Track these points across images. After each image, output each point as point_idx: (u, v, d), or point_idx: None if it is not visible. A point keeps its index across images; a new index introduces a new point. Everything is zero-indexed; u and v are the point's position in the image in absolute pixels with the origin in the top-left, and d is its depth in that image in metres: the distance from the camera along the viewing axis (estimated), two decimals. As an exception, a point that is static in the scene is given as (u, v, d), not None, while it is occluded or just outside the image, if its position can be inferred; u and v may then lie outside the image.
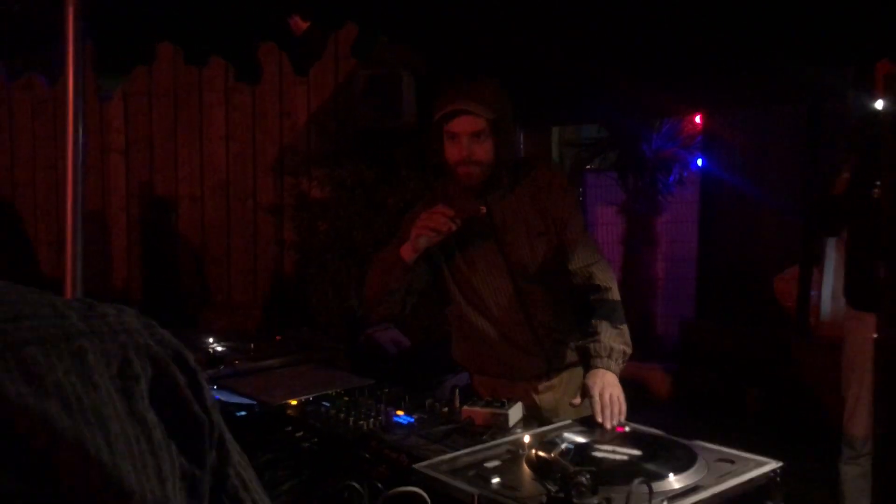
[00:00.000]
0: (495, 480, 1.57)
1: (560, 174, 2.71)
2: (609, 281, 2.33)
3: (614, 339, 2.20)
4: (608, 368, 2.14)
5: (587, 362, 2.19)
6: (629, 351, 2.23)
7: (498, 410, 2.03)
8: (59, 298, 0.61)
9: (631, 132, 7.38)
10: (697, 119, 7.20)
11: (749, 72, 4.09)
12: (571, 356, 2.46)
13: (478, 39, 4.12)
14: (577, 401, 2.13)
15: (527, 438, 1.86)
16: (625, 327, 2.26)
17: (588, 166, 8.20)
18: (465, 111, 2.26)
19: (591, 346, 2.19)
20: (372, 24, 4.50)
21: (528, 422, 2.13)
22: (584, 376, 2.18)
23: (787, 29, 3.55)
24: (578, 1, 3.69)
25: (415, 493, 1.52)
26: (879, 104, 3.21)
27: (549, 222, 2.37)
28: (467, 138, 2.28)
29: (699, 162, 7.28)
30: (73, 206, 2.26)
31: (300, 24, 4.90)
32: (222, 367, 2.53)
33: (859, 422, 3.28)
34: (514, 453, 1.79)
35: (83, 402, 0.55)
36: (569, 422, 2.11)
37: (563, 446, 1.75)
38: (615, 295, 2.32)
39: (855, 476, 3.29)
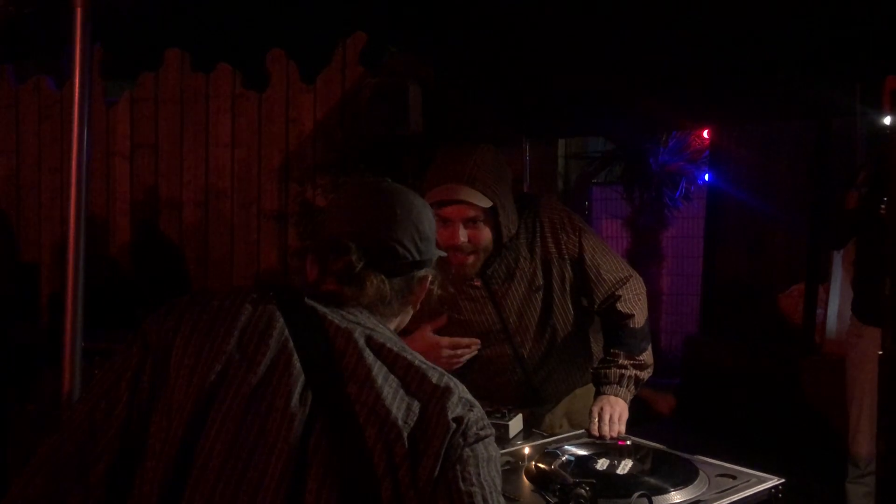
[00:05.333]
0: (494, 491, 1.55)
1: (557, 212, 2.30)
2: (633, 306, 2.25)
3: (627, 366, 2.20)
4: (616, 394, 2.15)
5: (598, 388, 2.20)
6: (644, 376, 2.22)
7: (498, 422, 2.01)
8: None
9: (637, 146, 7.37)
10: (705, 134, 7.19)
11: (757, 87, 4.08)
12: (569, 386, 2.45)
13: (485, 50, 4.12)
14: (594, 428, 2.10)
15: (527, 450, 1.85)
16: (644, 356, 2.23)
17: (594, 179, 8.19)
18: (459, 201, 2.01)
19: (603, 371, 2.20)
20: (381, 32, 4.51)
21: (528, 433, 2.12)
22: (593, 401, 2.18)
23: (795, 44, 3.54)
24: (586, 14, 3.68)
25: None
26: (887, 120, 3.20)
27: (552, 269, 2.24)
28: (461, 224, 2.05)
29: (706, 177, 7.26)
30: (76, 210, 2.25)
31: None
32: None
33: (863, 440, 3.26)
34: (514, 465, 1.78)
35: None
36: (569, 434, 2.10)
37: (564, 458, 1.73)
38: (637, 322, 2.25)
39: (860, 495, 3.27)
